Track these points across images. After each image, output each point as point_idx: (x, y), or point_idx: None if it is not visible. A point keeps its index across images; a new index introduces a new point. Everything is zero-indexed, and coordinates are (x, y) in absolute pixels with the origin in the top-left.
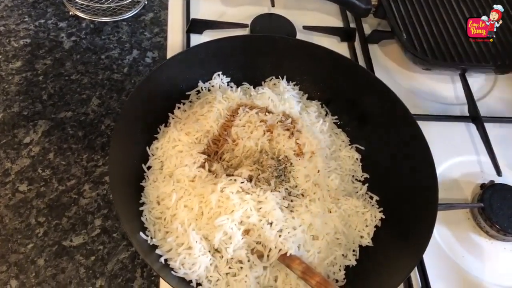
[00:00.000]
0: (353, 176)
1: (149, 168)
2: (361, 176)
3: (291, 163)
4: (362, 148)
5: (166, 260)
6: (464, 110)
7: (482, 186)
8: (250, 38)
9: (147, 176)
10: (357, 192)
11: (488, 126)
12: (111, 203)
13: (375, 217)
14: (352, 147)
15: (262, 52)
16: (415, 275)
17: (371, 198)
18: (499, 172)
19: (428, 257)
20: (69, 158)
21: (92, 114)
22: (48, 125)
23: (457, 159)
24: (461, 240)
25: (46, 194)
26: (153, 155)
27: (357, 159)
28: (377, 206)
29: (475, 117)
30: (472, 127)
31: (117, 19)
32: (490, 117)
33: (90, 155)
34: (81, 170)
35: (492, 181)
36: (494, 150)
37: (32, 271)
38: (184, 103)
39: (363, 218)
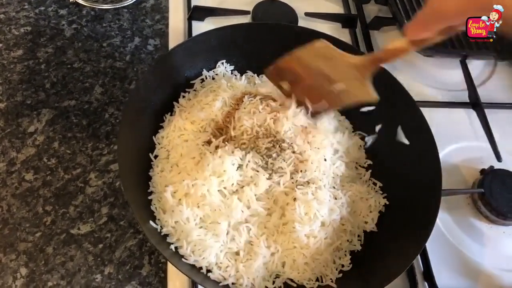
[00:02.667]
0: (356, 162)
1: (156, 157)
2: (365, 163)
3: (293, 149)
4: (365, 135)
5: (176, 248)
6: (465, 97)
7: (482, 171)
8: (254, 26)
9: (154, 166)
10: (360, 178)
11: (488, 112)
12: (117, 191)
13: (379, 203)
14: (355, 134)
15: (265, 39)
16: (416, 259)
17: (375, 184)
18: (499, 158)
19: (429, 241)
20: (74, 147)
21: (95, 102)
22: (52, 114)
23: (458, 145)
24: (461, 224)
25: (52, 183)
26: (159, 144)
27: (360, 146)
28: (381, 192)
29: (475, 103)
30: (473, 113)
31: (117, 6)
32: (490, 103)
33: (94, 143)
34: (86, 158)
35: (492, 167)
36: (494, 136)
37: (41, 259)
38: (188, 92)
39: (367, 204)
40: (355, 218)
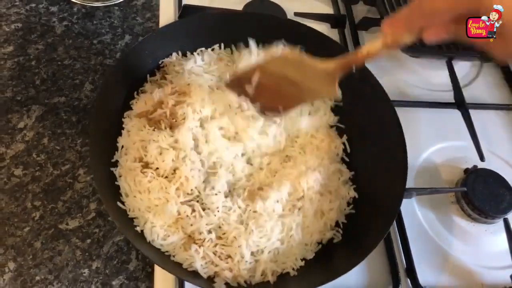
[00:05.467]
0: None
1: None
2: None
3: None
4: (342, 126)
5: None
6: (450, 97)
7: (466, 170)
8: (241, 15)
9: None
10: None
11: (473, 113)
12: None
13: (348, 193)
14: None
15: (248, 30)
16: (400, 257)
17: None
18: (482, 158)
19: (412, 239)
20: (63, 143)
21: (85, 99)
22: (41, 110)
23: (442, 145)
24: (444, 223)
25: (41, 178)
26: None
27: (339, 177)
28: (351, 183)
29: (460, 104)
30: (458, 113)
31: (108, 4)
32: (475, 103)
33: (84, 140)
34: (76, 155)
35: (475, 166)
36: (478, 136)
37: (29, 254)
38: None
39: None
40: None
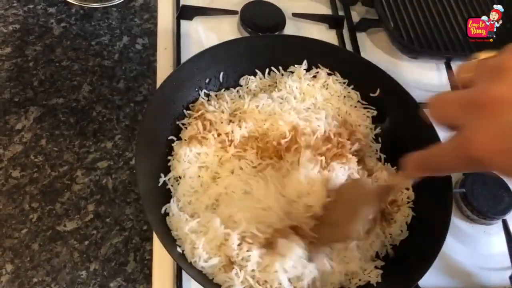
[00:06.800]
0: None
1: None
2: None
3: None
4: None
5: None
6: None
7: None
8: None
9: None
10: None
11: None
12: (104, 188)
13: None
14: None
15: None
16: None
17: None
18: None
19: None
20: (61, 144)
21: (83, 100)
22: (39, 112)
23: None
24: None
25: (39, 180)
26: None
27: None
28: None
29: None
30: None
31: (106, 5)
32: None
33: (82, 141)
34: (73, 156)
35: None
36: None
37: (27, 256)
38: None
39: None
40: None
